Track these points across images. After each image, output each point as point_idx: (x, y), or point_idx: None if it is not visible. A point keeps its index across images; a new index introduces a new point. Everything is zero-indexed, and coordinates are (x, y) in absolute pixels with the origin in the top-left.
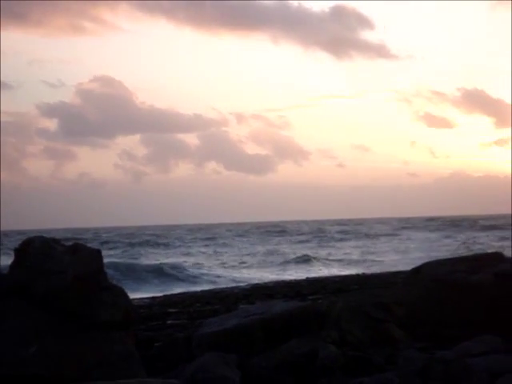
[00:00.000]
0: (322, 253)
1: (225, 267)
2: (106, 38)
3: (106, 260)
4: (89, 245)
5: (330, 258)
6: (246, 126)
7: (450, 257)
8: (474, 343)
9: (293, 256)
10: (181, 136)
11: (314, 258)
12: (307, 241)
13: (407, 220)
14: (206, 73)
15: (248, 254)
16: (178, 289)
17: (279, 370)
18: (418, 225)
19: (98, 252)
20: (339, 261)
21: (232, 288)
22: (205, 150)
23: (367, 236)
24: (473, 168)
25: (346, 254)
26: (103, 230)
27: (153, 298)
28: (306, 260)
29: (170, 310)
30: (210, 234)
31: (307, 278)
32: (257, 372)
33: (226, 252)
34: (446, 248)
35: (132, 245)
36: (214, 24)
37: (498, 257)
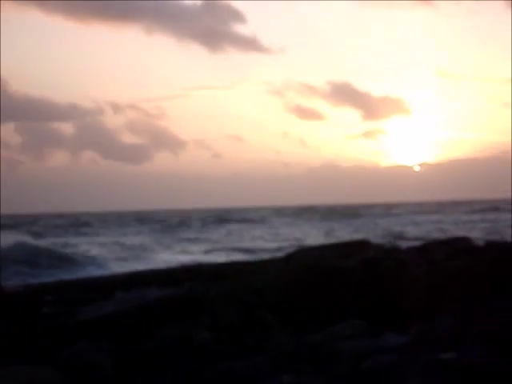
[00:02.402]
0: (198, 240)
1: (101, 255)
2: None
3: None
4: None
5: (206, 244)
6: (122, 115)
7: (320, 244)
8: (341, 327)
9: (169, 243)
10: (56, 125)
11: (190, 245)
12: (184, 229)
13: (280, 209)
14: (81, 62)
15: (124, 243)
16: (52, 276)
17: (154, 356)
18: (290, 213)
19: None
20: (215, 248)
21: (108, 276)
22: (81, 139)
23: (242, 223)
24: (342, 158)
25: (222, 241)
26: None
27: (27, 285)
28: (182, 247)
29: (45, 298)
30: (84, 223)
31: (183, 265)
32: (131, 358)
33: (102, 240)
34: (315, 235)
35: (5, 232)
36: (86, 14)
37: (365, 244)
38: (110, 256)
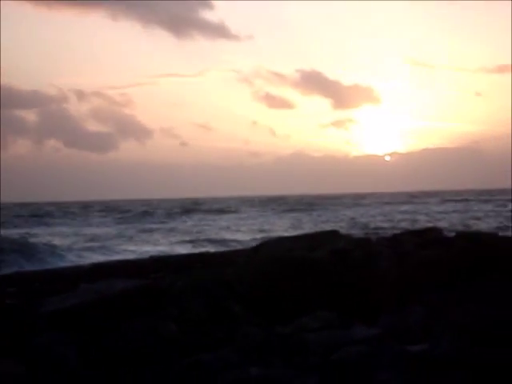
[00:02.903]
0: (163, 230)
1: (64, 246)
2: None
3: None
4: None
5: (172, 235)
6: (87, 103)
7: (288, 235)
8: (310, 319)
9: (134, 234)
10: (19, 112)
11: (156, 235)
12: (149, 219)
13: (248, 199)
14: (45, 48)
15: (87, 234)
16: (15, 267)
17: (120, 348)
18: (259, 203)
19: None
20: (181, 239)
21: (73, 267)
22: (44, 127)
23: (209, 214)
24: (312, 148)
25: (188, 231)
26: None
27: None
28: (147, 238)
29: (8, 290)
30: (47, 213)
31: (151, 256)
32: (97, 351)
33: (65, 231)
34: (283, 226)
35: None
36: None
37: (334, 234)
38: (72, 247)
